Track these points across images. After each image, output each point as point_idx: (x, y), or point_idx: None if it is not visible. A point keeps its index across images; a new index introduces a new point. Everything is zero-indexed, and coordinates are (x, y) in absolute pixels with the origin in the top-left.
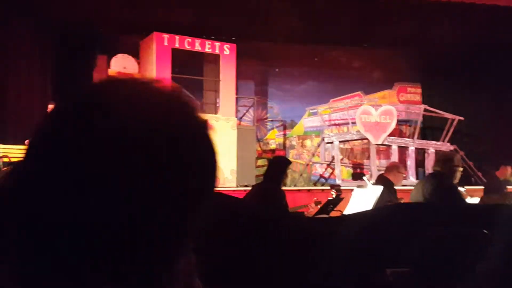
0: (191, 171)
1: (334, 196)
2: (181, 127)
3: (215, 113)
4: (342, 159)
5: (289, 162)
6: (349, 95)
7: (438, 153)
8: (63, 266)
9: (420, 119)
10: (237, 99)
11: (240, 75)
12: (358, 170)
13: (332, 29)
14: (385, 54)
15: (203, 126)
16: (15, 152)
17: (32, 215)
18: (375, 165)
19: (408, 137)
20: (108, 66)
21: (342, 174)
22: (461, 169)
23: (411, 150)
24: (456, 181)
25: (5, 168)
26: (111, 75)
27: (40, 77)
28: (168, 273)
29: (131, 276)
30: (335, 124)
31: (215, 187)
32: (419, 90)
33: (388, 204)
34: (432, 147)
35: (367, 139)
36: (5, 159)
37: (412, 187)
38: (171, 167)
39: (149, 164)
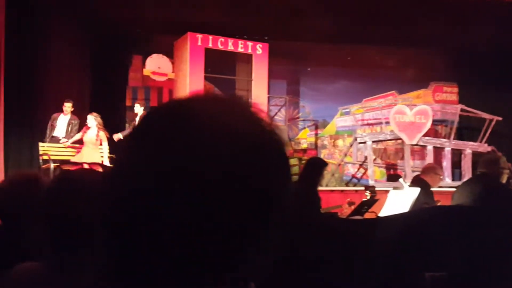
0: (269, 181)
1: (368, 197)
2: (259, 140)
3: None
4: (375, 159)
5: (326, 164)
6: (383, 94)
7: (482, 155)
8: (154, 269)
9: (457, 119)
10: (269, 98)
11: (272, 75)
12: (392, 171)
13: (366, 28)
14: (420, 53)
15: (280, 143)
16: (54, 150)
17: (124, 216)
18: (409, 166)
19: (444, 138)
20: (143, 65)
21: (374, 174)
22: (507, 171)
23: (447, 151)
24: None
25: (44, 166)
26: (198, 92)
27: (78, 76)
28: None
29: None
30: (368, 124)
31: (288, 199)
32: (456, 90)
33: (425, 206)
34: (468, 148)
35: (401, 139)
36: (45, 157)
37: (448, 189)
38: (250, 176)
39: (228, 171)
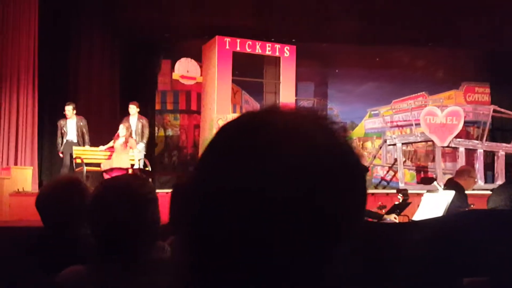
0: (348, 195)
1: (401, 200)
2: (339, 153)
3: None
4: (404, 162)
5: (367, 170)
6: (413, 95)
7: None
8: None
9: (489, 120)
10: (296, 100)
11: (300, 77)
12: (422, 174)
13: (395, 29)
14: (451, 53)
15: (358, 157)
16: (87, 154)
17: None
18: (441, 168)
19: (476, 139)
20: (172, 70)
21: (404, 177)
22: None
23: (480, 152)
24: None
25: (78, 169)
26: (274, 104)
27: (109, 80)
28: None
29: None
30: (398, 126)
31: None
32: (488, 90)
33: (460, 210)
34: (502, 149)
35: (431, 141)
36: (78, 160)
37: (481, 192)
38: (330, 190)
39: (308, 180)
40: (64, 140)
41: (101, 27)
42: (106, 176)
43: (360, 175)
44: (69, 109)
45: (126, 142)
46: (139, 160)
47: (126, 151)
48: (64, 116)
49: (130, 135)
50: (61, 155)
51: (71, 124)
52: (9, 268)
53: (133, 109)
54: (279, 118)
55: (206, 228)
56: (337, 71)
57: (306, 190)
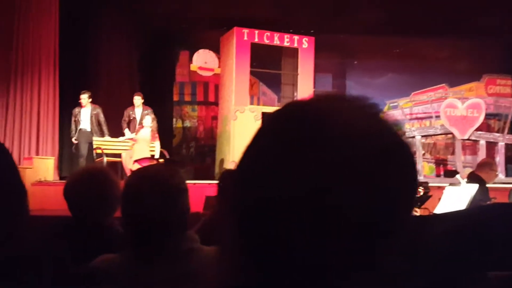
0: (402, 183)
1: (421, 193)
2: (391, 141)
3: None
4: (424, 155)
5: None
6: (433, 87)
7: None
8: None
9: (511, 112)
10: (314, 92)
11: (318, 68)
12: (442, 166)
13: (414, 19)
14: (472, 44)
15: (409, 146)
16: (107, 144)
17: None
18: (461, 161)
19: (497, 132)
20: (190, 61)
21: (423, 170)
22: None
23: (501, 145)
24: None
25: (98, 160)
26: (322, 92)
27: (128, 71)
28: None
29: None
30: (417, 118)
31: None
32: (510, 82)
33: (482, 203)
34: None
35: (451, 133)
36: (98, 151)
37: (502, 185)
38: (384, 177)
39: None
40: (78, 129)
41: (121, 18)
42: (136, 166)
43: (414, 168)
44: (84, 98)
45: (154, 133)
46: (160, 150)
47: (148, 142)
48: (79, 105)
49: (155, 129)
50: (75, 141)
51: (86, 113)
52: (40, 257)
53: (138, 100)
54: (331, 105)
55: (260, 221)
56: (355, 62)
57: (369, 184)
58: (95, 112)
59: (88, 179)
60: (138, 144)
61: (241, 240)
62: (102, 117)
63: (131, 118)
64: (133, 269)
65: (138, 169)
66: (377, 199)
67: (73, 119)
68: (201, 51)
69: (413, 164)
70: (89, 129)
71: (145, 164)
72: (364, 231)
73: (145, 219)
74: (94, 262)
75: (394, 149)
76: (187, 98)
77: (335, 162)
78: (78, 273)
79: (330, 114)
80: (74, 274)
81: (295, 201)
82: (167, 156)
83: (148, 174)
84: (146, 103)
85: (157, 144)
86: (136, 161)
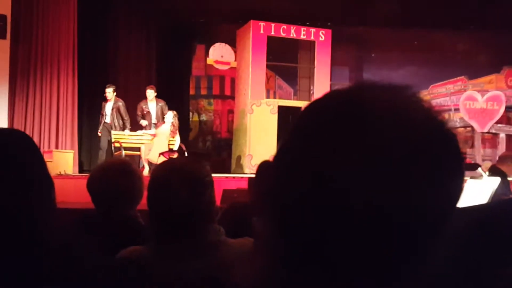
0: (448, 176)
1: None
2: (437, 130)
3: (309, 100)
4: None
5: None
6: (452, 80)
7: None
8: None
9: None
10: (331, 85)
11: (335, 61)
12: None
13: (433, 11)
14: (492, 36)
15: (455, 135)
16: (125, 138)
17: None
18: (480, 155)
19: None
20: (206, 55)
21: None
22: None
23: None
24: None
25: (116, 153)
26: (365, 81)
27: (146, 65)
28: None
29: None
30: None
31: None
32: None
33: (504, 197)
34: None
35: (471, 126)
36: (117, 144)
37: None
38: (429, 168)
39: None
40: (103, 122)
41: (138, 12)
42: (161, 159)
43: (462, 161)
44: (109, 91)
45: (176, 128)
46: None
47: (168, 137)
48: (105, 98)
49: (176, 124)
50: (99, 134)
51: (109, 107)
52: (71, 248)
53: (151, 93)
54: (373, 93)
55: (302, 217)
56: (373, 55)
57: (416, 177)
58: (116, 106)
59: (111, 172)
60: (157, 138)
61: (280, 235)
62: (123, 110)
63: (145, 112)
64: (160, 261)
65: (165, 162)
66: (427, 193)
67: (101, 112)
68: (217, 44)
69: (460, 153)
70: (111, 122)
71: (171, 156)
72: (412, 228)
73: (172, 211)
74: (122, 253)
75: (441, 138)
76: (203, 92)
77: (382, 154)
78: (108, 265)
79: (374, 104)
80: (104, 266)
81: (340, 195)
82: (185, 150)
83: (175, 167)
84: (163, 97)
85: (177, 138)
86: (161, 153)
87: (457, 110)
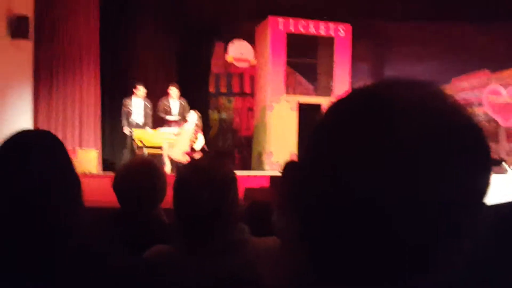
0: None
1: None
2: (467, 128)
3: (329, 96)
4: None
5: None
6: (474, 73)
7: None
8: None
9: None
10: (351, 81)
11: (355, 57)
12: None
13: (454, 3)
14: None
15: (482, 131)
16: (147, 136)
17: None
18: (505, 150)
19: None
20: (226, 52)
21: None
22: None
23: None
24: None
25: (139, 151)
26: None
27: (166, 63)
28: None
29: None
30: None
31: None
32: None
33: None
34: None
35: (495, 121)
36: (139, 143)
37: None
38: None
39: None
40: (129, 119)
41: (159, 10)
42: (184, 157)
43: (489, 155)
44: (142, 89)
45: (199, 128)
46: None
47: (191, 136)
48: (128, 95)
49: (200, 124)
50: (129, 133)
51: (139, 105)
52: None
53: (174, 91)
54: (406, 94)
55: (330, 217)
56: (393, 50)
57: (447, 173)
58: (148, 105)
59: (136, 172)
60: (180, 137)
61: (307, 236)
62: (150, 110)
63: (167, 109)
64: (187, 260)
65: (189, 163)
66: (455, 189)
67: (124, 109)
68: (236, 42)
69: (487, 147)
70: (140, 121)
71: (194, 156)
72: (440, 226)
73: (198, 210)
74: (149, 253)
75: (469, 133)
76: (223, 89)
77: (413, 150)
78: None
79: (402, 100)
80: (133, 265)
81: (370, 194)
82: (206, 148)
83: (199, 167)
84: (183, 95)
85: (200, 138)
86: (186, 153)
87: (480, 104)
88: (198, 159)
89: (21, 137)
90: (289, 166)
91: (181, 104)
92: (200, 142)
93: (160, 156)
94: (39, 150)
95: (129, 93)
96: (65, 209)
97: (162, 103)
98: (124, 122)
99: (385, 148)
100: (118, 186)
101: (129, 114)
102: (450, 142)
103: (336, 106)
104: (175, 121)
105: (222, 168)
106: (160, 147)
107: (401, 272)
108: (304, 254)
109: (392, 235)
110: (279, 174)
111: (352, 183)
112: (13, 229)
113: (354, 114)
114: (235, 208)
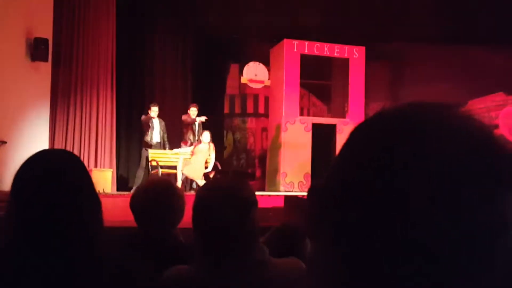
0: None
1: None
2: (495, 148)
3: (344, 117)
4: None
5: None
6: (490, 95)
7: None
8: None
9: None
10: (366, 102)
11: (370, 78)
12: None
13: (469, 25)
14: None
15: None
16: (161, 156)
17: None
18: None
19: None
20: (241, 74)
21: None
22: None
23: None
24: None
25: (153, 172)
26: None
27: (182, 84)
28: None
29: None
30: None
31: None
32: None
33: None
34: None
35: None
36: (153, 163)
37: None
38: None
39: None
40: (145, 139)
41: (175, 32)
42: (199, 176)
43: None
44: (156, 110)
45: (213, 148)
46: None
47: (206, 155)
48: (144, 114)
49: (212, 142)
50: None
51: (156, 125)
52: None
53: (194, 111)
54: (434, 117)
55: (363, 243)
56: (409, 71)
57: (479, 195)
58: (163, 125)
59: (154, 192)
60: (195, 156)
61: (339, 265)
62: (164, 130)
63: (189, 128)
64: (207, 280)
65: (209, 182)
66: (488, 211)
67: (148, 127)
68: (251, 63)
69: None
70: (156, 141)
71: (210, 175)
72: (467, 247)
73: (218, 231)
74: (169, 273)
75: (499, 155)
76: (238, 110)
77: (445, 174)
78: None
79: (431, 122)
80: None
81: (400, 220)
82: (219, 168)
83: (220, 186)
84: (198, 115)
85: (212, 156)
86: (205, 173)
87: (497, 126)
88: (219, 178)
89: (53, 157)
90: (313, 189)
91: (200, 124)
92: (212, 160)
93: (174, 176)
94: (64, 170)
95: (145, 113)
96: (89, 228)
97: (186, 121)
98: (147, 136)
99: (419, 170)
100: (135, 205)
101: (145, 133)
102: (484, 164)
103: (365, 127)
104: (191, 141)
105: (242, 188)
106: (174, 167)
107: None
108: (333, 280)
109: (426, 259)
110: (294, 195)
111: (384, 206)
112: (48, 246)
113: (384, 135)
114: (254, 228)
